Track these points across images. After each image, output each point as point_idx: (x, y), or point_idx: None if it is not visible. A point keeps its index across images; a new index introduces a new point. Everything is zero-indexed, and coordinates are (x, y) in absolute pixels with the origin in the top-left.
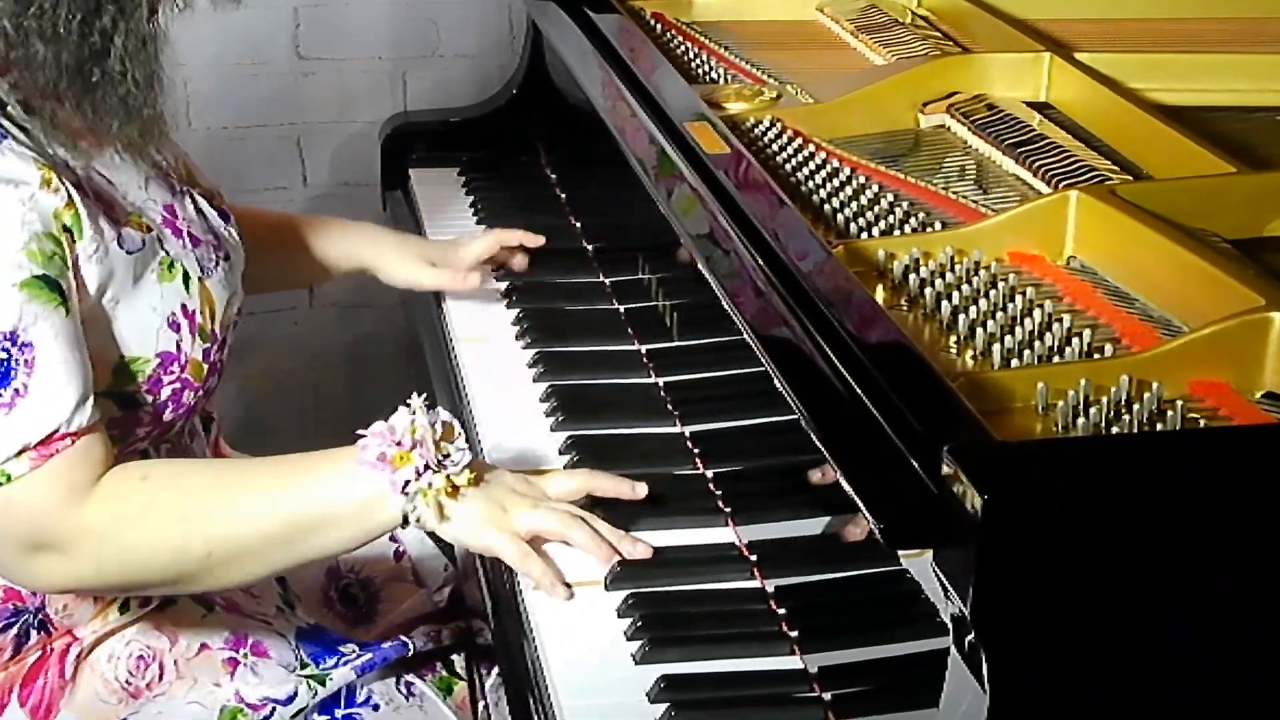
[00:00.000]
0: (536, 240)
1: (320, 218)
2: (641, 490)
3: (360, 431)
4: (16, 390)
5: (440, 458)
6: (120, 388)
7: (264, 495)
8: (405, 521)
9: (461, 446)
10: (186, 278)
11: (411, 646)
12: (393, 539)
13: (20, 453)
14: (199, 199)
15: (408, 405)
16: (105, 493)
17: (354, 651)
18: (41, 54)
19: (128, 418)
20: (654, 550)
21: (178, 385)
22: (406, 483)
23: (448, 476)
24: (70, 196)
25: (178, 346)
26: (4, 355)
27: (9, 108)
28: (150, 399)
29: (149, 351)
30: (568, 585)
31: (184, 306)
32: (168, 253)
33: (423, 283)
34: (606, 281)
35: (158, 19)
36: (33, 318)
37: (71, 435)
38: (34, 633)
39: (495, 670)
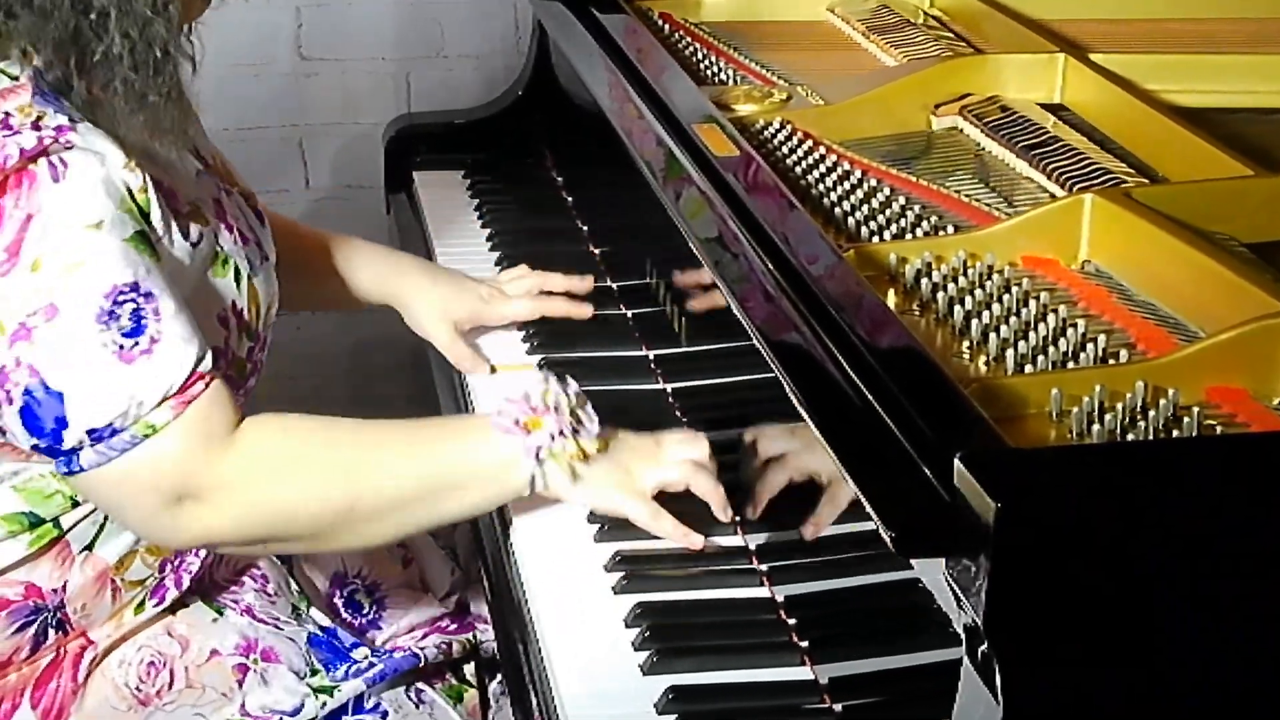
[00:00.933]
0: (583, 309)
1: (360, 242)
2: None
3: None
4: (153, 337)
5: (574, 424)
6: None
7: (406, 453)
8: (532, 487)
9: (592, 415)
10: (238, 274)
11: (423, 658)
12: (401, 545)
13: (162, 402)
14: (238, 199)
15: (540, 373)
16: (248, 441)
17: (366, 659)
18: (27, 24)
19: None
20: (659, 554)
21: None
22: (539, 447)
23: (579, 442)
24: (145, 181)
25: (225, 343)
26: (133, 305)
27: (74, 94)
28: None
29: None
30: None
31: (234, 304)
32: (222, 247)
33: (437, 345)
34: (614, 286)
35: (165, 2)
36: (147, 269)
37: (204, 377)
38: (51, 632)
39: (499, 676)
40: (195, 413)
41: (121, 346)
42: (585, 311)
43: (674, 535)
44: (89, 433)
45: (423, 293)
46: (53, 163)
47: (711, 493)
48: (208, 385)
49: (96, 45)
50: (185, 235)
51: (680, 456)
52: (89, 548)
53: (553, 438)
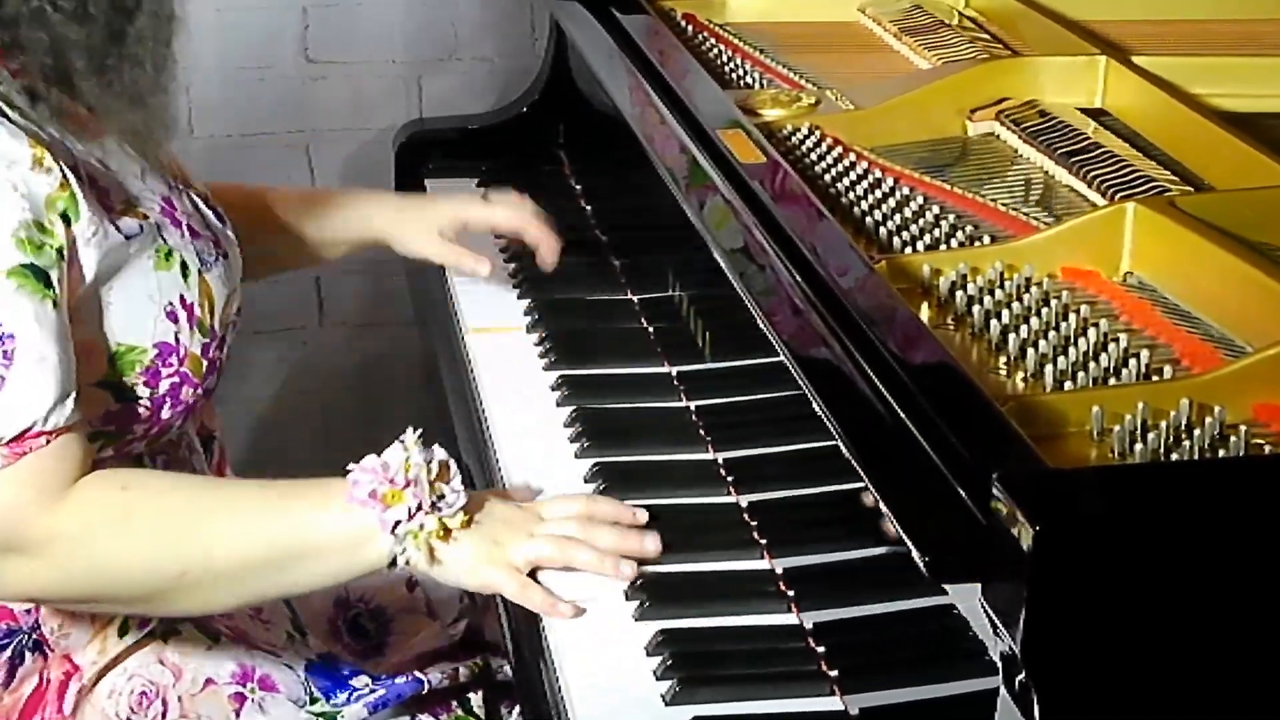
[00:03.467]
0: (548, 258)
1: (320, 190)
2: (643, 517)
3: (351, 466)
4: None
5: (435, 499)
6: (116, 378)
7: (247, 520)
8: (393, 563)
9: (456, 488)
10: (185, 269)
11: (427, 683)
12: None
13: None
14: (195, 198)
15: (402, 441)
16: (82, 498)
17: (366, 686)
18: (74, 36)
19: (124, 411)
20: (682, 579)
21: (176, 379)
22: (397, 523)
23: (440, 519)
24: (65, 177)
25: (176, 339)
26: None
27: (9, 95)
28: (148, 391)
29: (145, 341)
30: (574, 604)
31: (182, 298)
32: (165, 241)
33: (431, 258)
34: (634, 299)
35: (176, 2)
36: (16, 308)
37: (46, 434)
38: (28, 654)
39: (516, 710)
40: (28, 465)
41: None
42: (552, 254)
43: (543, 609)
44: None
45: (407, 217)
46: None
47: (593, 564)
48: (50, 441)
49: (115, 48)
50: (119, 228)
51: (553, 531)
52: None
53: (410, 514)
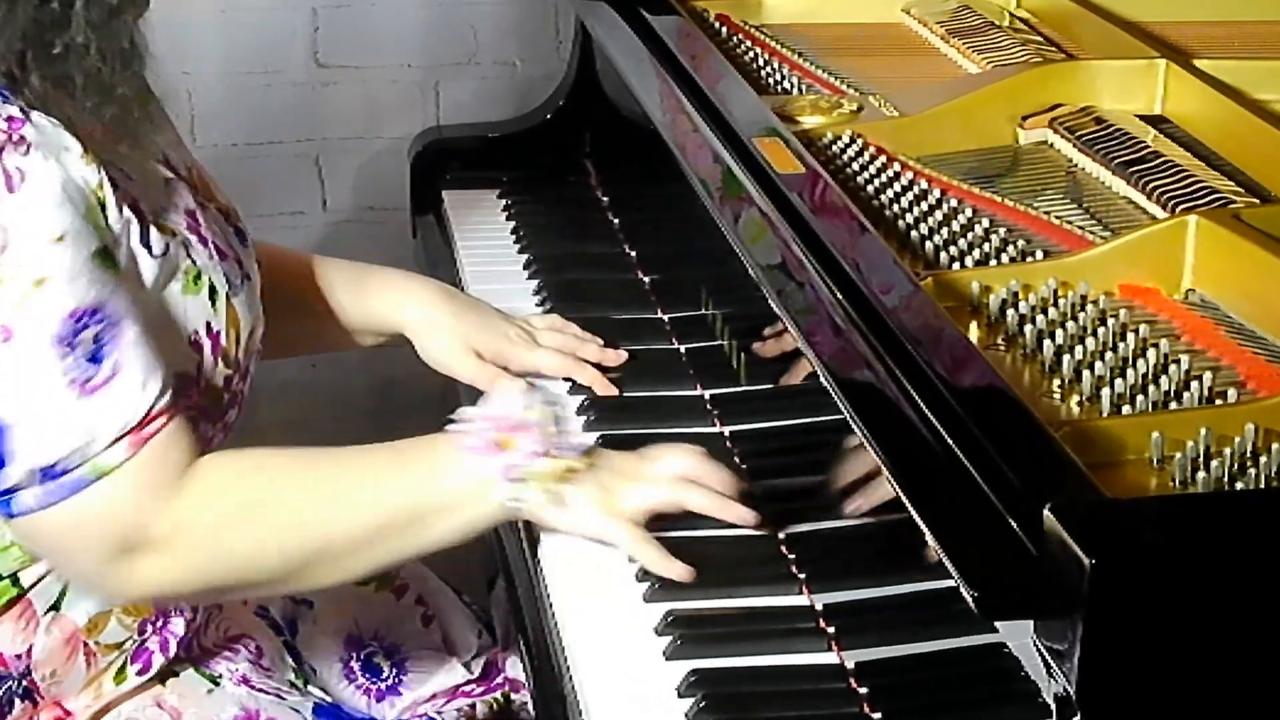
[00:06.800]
0: (610, 389)
1: (360, 266)
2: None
3: (452, 417)
4: (113, 367)
5: (552, 441)
6: None
7: (369, 487)
8: (511, 511)
9: (573, 430)
10: (213, 293)
11: None
12: (420, 602)
13: (117, 440)
14: (219, 213)
15: (513, 385)
16: (202, 487)
17: None
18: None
19: None
20: (716, 615)
21: (194, 414)
22: (515, 467)
23: (559, 460)
24: (101, 176)
25: (198, 369)
26: (94, 331)
27: (29, 88)
28: None
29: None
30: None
31: (209, 326)
32: (194, 262)
33: (458, 373)
34: (665, 318)
35: None
36: (111, 290)
37: (165, 414)
38: (17, 702)
39: None
40: (151, 453)
41: (79, 377)
42: (612, 390)
43: (657, 565)
44: (33, 471)
45: (443, 324)
46: (7, 170)
47: (709, 506)
48: (168, 422)
49: (58, 36)
50: (146, 244)
51: (667, 473)
52: (55, 608)
53: (528, 457)
